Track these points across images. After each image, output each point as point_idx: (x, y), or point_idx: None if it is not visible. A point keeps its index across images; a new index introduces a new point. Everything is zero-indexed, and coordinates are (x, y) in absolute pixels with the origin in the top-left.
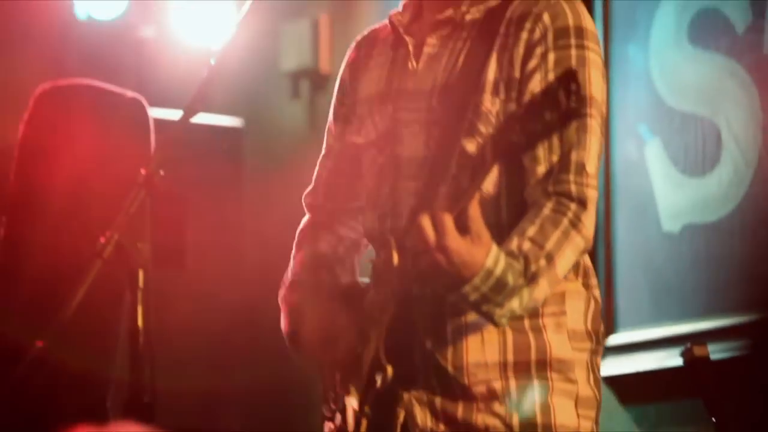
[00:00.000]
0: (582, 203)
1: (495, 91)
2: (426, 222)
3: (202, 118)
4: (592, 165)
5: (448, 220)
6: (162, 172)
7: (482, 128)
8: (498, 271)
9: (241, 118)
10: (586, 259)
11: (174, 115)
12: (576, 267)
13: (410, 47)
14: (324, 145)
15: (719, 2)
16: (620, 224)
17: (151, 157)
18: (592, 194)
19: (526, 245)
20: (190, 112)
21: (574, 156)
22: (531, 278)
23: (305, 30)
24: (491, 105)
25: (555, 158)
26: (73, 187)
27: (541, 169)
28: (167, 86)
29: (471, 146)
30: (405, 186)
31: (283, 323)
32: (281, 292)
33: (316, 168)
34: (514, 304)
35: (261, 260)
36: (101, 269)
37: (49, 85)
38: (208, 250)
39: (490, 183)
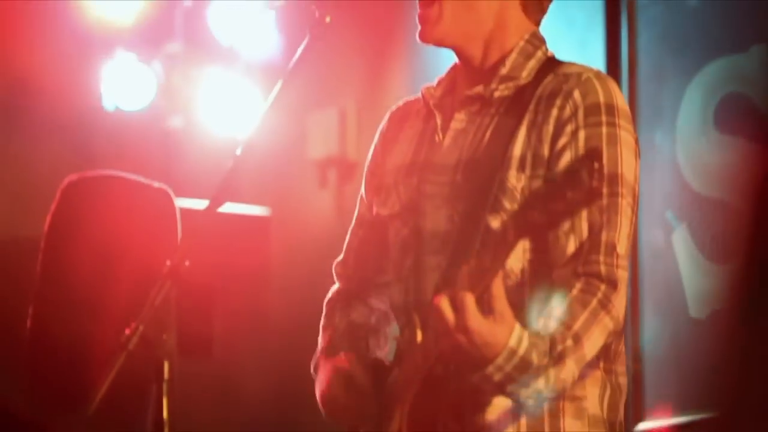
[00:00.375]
0: (612, 284)
1: (521, 167)
2: (445, 303)
3: (229, 207)
4: (622, 246)
5: (469, 300)
6: (188, 263)
7: (507, 204)
8: (522, 350)
9: (268, 207)
10: (617, 343)
11: (201, 204)
12: (603, 351)
13: (438, 121)
14: (355, 214)
15: (746, 87)
16: (647, 310)
17: (177, 248)
18: (623, 275)
19: (553, 325)
20: (216, 202)
21: (604, 236)
22: (557, 358)
23: (332, 119)
24: (516, 181)
25: (584, 238)
26: (99, 279)
27: (570, 249)
28: (194, 176)
29: (495, 222)
30: (428, 260)
31: (320, 390)
32: (315, 361)
33: (347, 237)
34: (540, 385)
35: (288, 350)
36: (126, 361)
37: (76, 176)
38: (236, 339)
39: (514, 261)
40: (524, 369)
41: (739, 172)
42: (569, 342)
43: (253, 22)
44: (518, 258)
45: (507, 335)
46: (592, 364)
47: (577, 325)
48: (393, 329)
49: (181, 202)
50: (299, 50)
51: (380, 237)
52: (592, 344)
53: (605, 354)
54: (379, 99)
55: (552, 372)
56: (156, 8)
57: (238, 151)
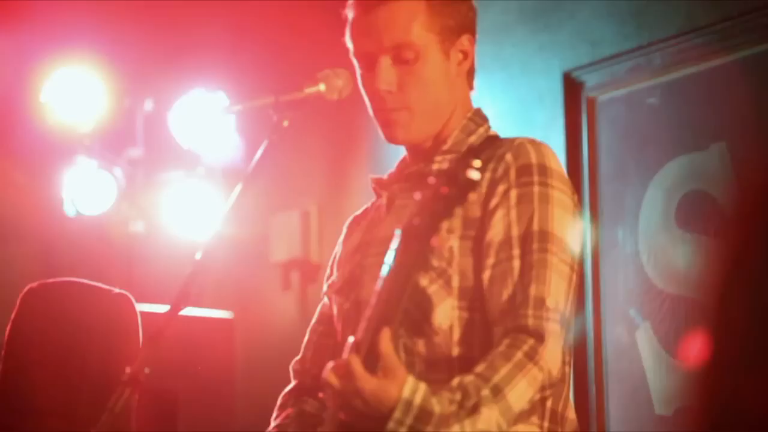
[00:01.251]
0: (539, 337)
1: (449, 228)
2: (331, 374)
3: (191, 311)
4: (552, 299)
5: (355, 363)
6: (148, 370)
7: (435, 263)
8: (418, 400)
9: (231, 310)
10: (560, 405)
11: (163, 309)
12: (541, 410)
13: (384, 201)
14: (316, 313)
15: (707, 185)
16: (613, 408)
17: (137, 355)
18: (552, 327)
19: (468, 379)
20: (177, 305)
21: (532, 290)
22: (472, 408)
23: (295, 221)
24: (444, 241)
25: (514, 295)
26: (58, 387)
27: (502, 307)
28: (157, 280)
29: (424, 281)
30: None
31: None
32: None
33: (306, 335)
34: None
35: None
36: None
37: (36, 284)
38: None
39: (442, 318)
40: (426, 419)
41: (702, 269)
42: (486, 392)
43: (213, 126)
44: (446, 315)
45: (399, 388)
46: (528, 421)
47: (497, 378)
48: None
49: (143, 307)
50: (258, 154)
51: (334, 327)
52: (518, 396)
53: (543, 413)
54: (341, 200)
55: (467, 422)
56: (116, 114)
57: (198, 255)
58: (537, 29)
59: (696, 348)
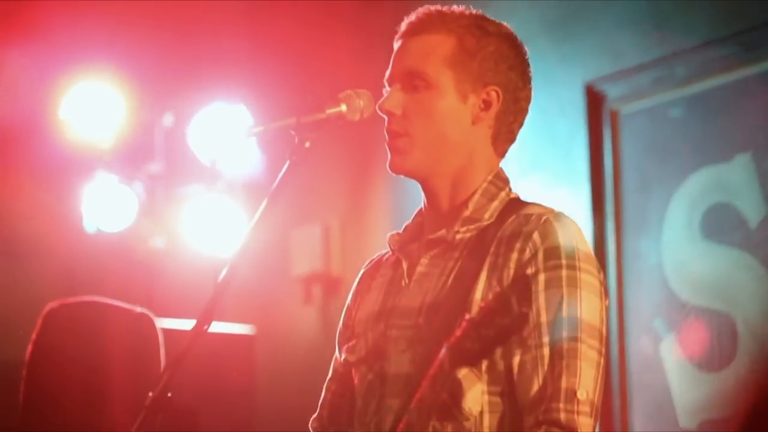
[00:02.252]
0: (572, 431)
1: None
2: None
3: (213, 327)
4: (583, 391)
5: None
6: (170, 394)
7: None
8: None
9: (253, 325)
10: None
11: (185, 325)
12: None
13: (404, 266)
14: (330, 370)
15: (732, 196)
16: (637, 421)
17: (159, 378)
18: (585, 421)
19: None
20: (201, 324)
21: (563, 383)
22: None
23: (316, 235)
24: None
25: (544, 386)
26: (81, 408)
27: (533, 397)
28: (178, 296)
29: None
30: (389, 403)
31: None
32: None
33: (323, 392)
34: None
35: None
36: None
37: (57, 303)
38: None
39: (472, 402)
40: None
41: (727, 280)
42: None
43: (234, 141)
44: (476, 400)
45: None
46: None
47: None
48: None
49: (166, 323)
50: (280, 175)
51: (351, 388)
52: None
53: None
54: (362, 214)
55: None
56: (136, 129)
57: (223, 273)
58: (559, 40)
59: (722, 361)
